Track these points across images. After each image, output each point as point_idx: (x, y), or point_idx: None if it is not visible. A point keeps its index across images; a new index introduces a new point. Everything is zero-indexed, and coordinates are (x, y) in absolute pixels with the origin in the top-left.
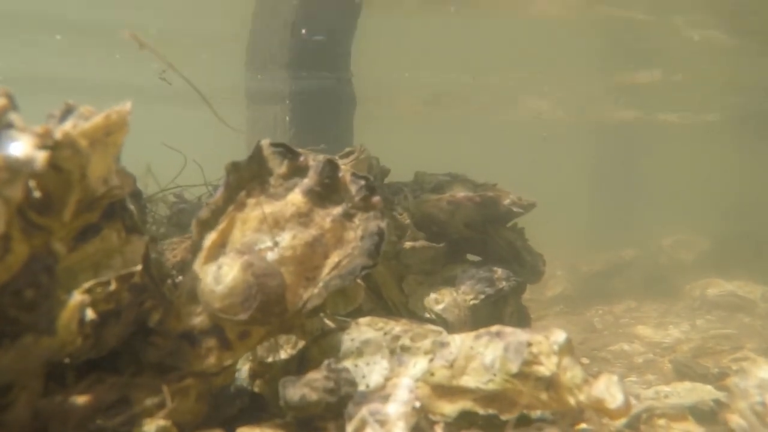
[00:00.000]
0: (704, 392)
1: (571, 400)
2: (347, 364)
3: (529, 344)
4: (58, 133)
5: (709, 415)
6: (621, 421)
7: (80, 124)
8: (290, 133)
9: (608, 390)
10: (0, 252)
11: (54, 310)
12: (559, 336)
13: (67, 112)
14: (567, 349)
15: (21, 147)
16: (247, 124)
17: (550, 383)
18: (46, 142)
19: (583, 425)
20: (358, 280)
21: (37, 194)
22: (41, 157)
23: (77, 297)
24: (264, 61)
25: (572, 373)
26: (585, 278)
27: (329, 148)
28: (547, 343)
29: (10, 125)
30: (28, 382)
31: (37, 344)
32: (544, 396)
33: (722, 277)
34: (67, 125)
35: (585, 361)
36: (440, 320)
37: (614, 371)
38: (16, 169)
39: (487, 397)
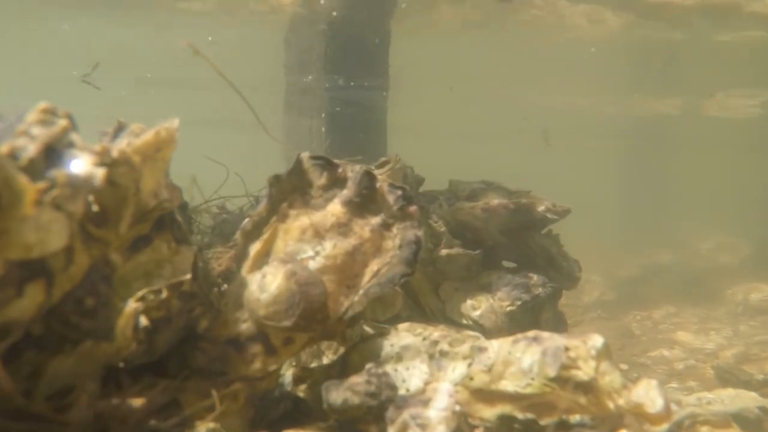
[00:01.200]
0: (749, 399)
1: (610, 405)
2: (387, 368)
3: (567, 349)
4: (115, 151)
5: (754, 422)
6: (662, 427)
7: (133, 142)
8: (326, 144)
9: (648, 394)
10: (64, 263)
11: (112, 318)
12: (597, 340)
13: (119, 129)
14: (605, 353)
15: (81, 165)
16: (283, 134)
17: (589, 387)
18: (104, 159)
19: (623, 431)
20: (396, 288)
21: (95, 208)
22: (100, 174)
23: (132, 304)
24: (301, 71)
25: (611, 378)
26: (621, 283)
27: (364, 157)
28: (584, 347)
29: (71, 145)
30: (87, 384)
31: (96, 349)
32: (582, 400)
33: (765, 282)
34: (122, 143)
35: (624, 367)
36: (477, 326)
37: (654, 377)
38: (78, 185)
39: (525, 402)
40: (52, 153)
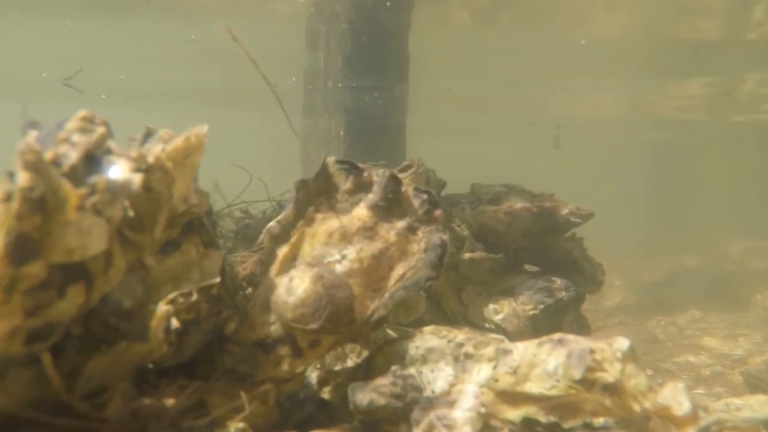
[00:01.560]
0: None
1: (636, 407)
2: (412, 370)
3: (592, 351)
4: (150, 157)
5: None
6: (689, 431)
7: (166, 147)
8: (344, 146)
9: (674, 397)
10: (103, 266)
11: (146, 319)
12: (622, 343)
13: (147, 135)
14: (630, 356)
15: (119, 171)
16: (301, 137)
17: (614, 390)
18: (140, 165)
19: None
20: (420, 291)
21: (130, 213)
22: (137, 179)
23: (163, 307)
24: (319, 75)
25: (636, 380)
26: (645, 287)
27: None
28: (610, 350)
29: (109, 151)
30: (120, 384)
31: (130, 350)
32: (608, 402)
33: None
34: (157, 149)
35: (649, 372)
36: (500, 330)
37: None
38: (116, 191)
39: (550, 403)
40: (92, 159)
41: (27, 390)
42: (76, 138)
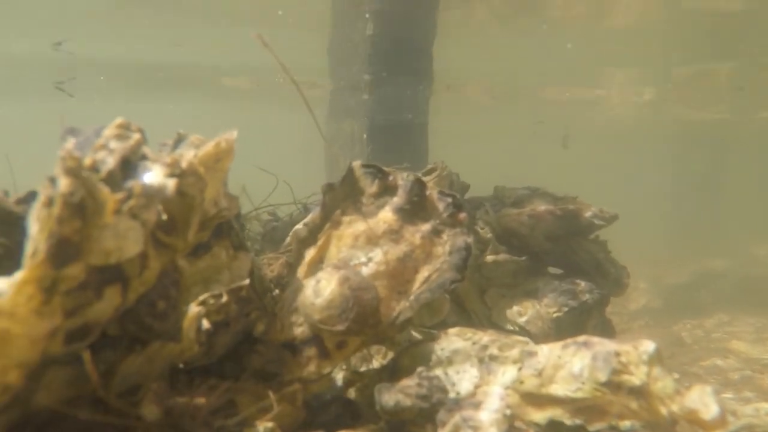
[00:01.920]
0: None
1: (663, 410)
2: (438, 372)
3: (618, 354)
4: (184, 163)
5: None
6: None
7: (198, 153)
8: (368, 150)
9: (702, 400)
10: (139, 268)
11: (180, 320)
12: (648, 346)
13: (179, 141)
14: (656, 359)
15: (154, 176)
16: (325, 140)
17: (641, 393)
18: (174, 171)
19: None
20: (444, 293)
21: (163, 216)
22: (172, 184)
23: (195, 308)
24: (344, 77)
25: (663, 383)
26: (670, 290)
27: (405, 162)
28: (635, 352)
29: (144, 157)
30: (153, 383)
31: (163, 350)
32: (634, 405)
33: None
34: (189, 154)
35: (675, 376)
36: (523, 332)
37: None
38: (152, 195)
39: (575, 406)
40: (128, 165)
41: (65, 388)
42: (113, 144)
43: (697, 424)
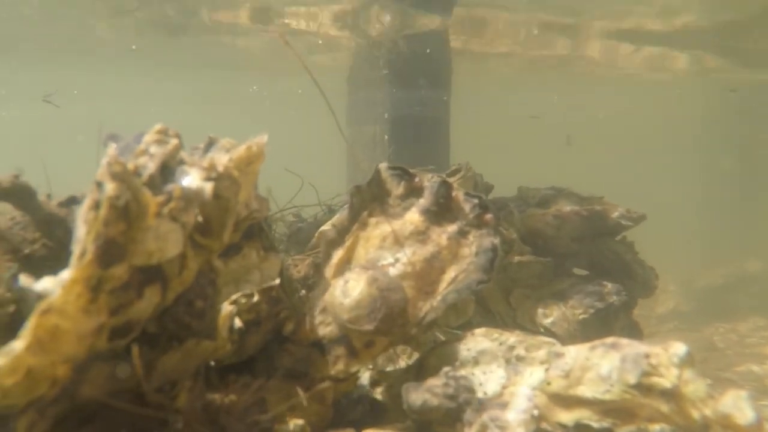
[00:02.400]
0: None
1: (695, 414)
2: (464, 372)
3: (647, 356)
4: (220, 167)
5: None
6: None
7: (231, 157)
8: (389, 151)
9: (737, 405)
10: (178, 268)
11: (214, 319)
12: (679, 348)
13: (210, 144)
14: (688, 361)
15: (192, 180)
16: (347, 143)
17: (671, 396)
18: (210, 174)
19: None
20: (471, 294)
21: (199, 219)
22: (209, 187)
23: (228, 307)
24: (364, 80)
25: (695, 386)
26: (701, 293)
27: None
28: (666, 354)
29: (182, 161)
30: (187, 380)
31: (198, 347)
32: (665, 408)
33: None
34: (224, 159)
35: (708, 381)
36: (549, 334)
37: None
38: (190, 198)
39: (604, 408)
40: (167, 169)
41: (107, 382)
42: (153, 149)
43: (731, 430)
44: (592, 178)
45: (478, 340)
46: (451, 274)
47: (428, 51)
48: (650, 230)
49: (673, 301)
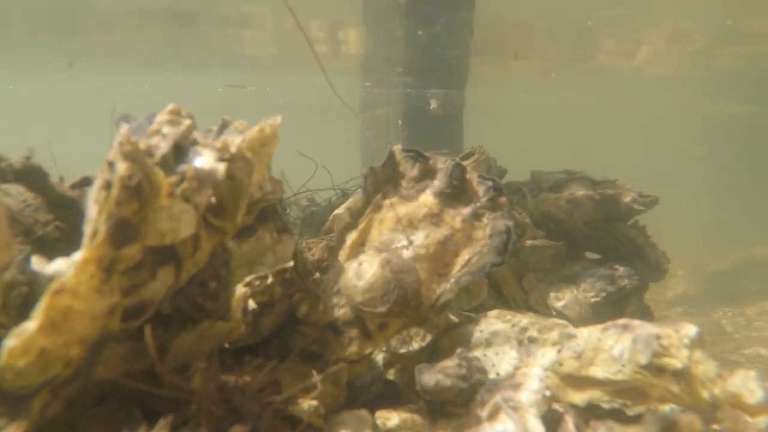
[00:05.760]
0: None
1: (705, 394)
2: (477, 353)
3: (659, 337)
4: (233, 147)
5: None
6: (763, 418)
7: (245, 138)
8: (403, 135)
9: (746, 385)
10: (191, 249)
11: (228, 300)
12: (690, 329)
13: (224, 126)
14: (698, 342)
15: (205, 161)
16: (361, 126)
17: (682, 376)
18: (224, 155)
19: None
20: (484, 277)
21: (213, 200)
22: (222, 168)
23: (241, 289)
24: (378, 66)
25: (705, 367)
26: (710, 278)
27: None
28: (677, 336)
29: (195, 142)
30: (201, 361)
31: (212, 329)
32: (675, 389)
33: None
34: (237, 140)
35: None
36: (561, 317)
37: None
38: (203, 179)
39: (616, 388)
40: (180, 149)
41: (121, 363)
42: (166, 130)
43: (740, 409)
44: (606, 162)
45: (490, 322)
46: (464, 256)
47: (447, 33)
48: (659, 216)
49: (682, 286)
